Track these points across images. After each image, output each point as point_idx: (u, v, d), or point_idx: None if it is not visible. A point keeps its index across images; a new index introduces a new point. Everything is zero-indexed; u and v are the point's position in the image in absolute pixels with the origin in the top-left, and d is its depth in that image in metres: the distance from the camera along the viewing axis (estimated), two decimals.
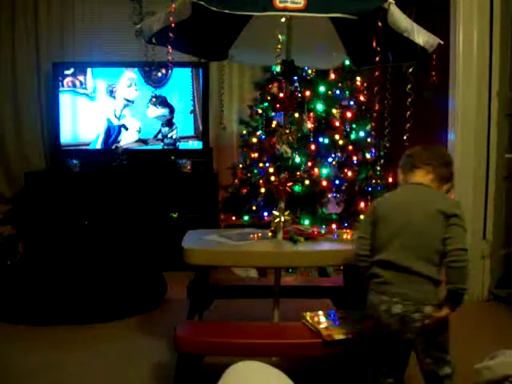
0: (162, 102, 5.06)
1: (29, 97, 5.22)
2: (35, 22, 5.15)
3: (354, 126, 4.16)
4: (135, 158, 5.01)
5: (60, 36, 5.20)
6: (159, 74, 5.01)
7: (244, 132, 4.40)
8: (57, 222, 4.72)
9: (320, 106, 4.09)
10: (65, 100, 5.01)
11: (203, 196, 4.87)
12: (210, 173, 5.04)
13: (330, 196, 4.08)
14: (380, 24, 2.27)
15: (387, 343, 2.17)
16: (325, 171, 4.02)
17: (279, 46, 2.46)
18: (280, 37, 2.48)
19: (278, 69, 3.06)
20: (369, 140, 4.19)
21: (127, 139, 5.09)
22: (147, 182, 4.89)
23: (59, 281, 3.61)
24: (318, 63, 3.62)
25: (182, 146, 5.11)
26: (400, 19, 2.39)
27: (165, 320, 3.52)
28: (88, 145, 5.09)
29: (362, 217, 4.06)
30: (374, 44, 2.27)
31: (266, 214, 3.99)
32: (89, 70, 5.01)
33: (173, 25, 2.37)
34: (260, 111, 4.11)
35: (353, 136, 4.14)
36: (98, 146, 5.08)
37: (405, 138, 2.85)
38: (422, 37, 2.48)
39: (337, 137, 4.06)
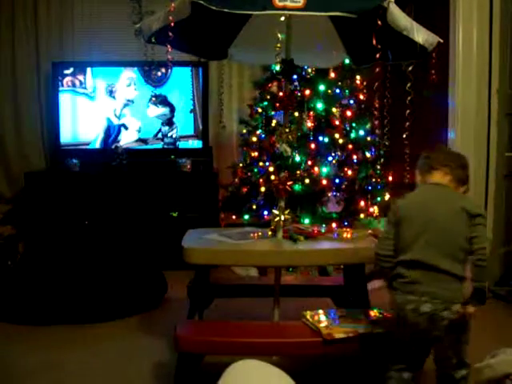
0: (162, 101, 5.06)
1: (29, 97, 5.21)
2: (35, 22, 5.15)
3: (353, 124, 4.16)
4: (135, 158, 5.00)
5: (59, 36, 5.19)
6: (159, 74, 5.01)
7: (244, 131, 4.40)
8: (57, 222, 4.72)
9: (320, 105, 4.09)
10: (64, 100, 5.01)
11: (203, 195, 4.87)
12: (210, 172, 5.04)
13: (329, 195, 4.08)
14: (379, 22, 2.26)
15: (411, 341, 2.18)
16: (325, 170, 4.02)
17: (279, 45, 2.47)
18: (279, 36, 2.48)
19: (277, 68, 3.05)
20: (369, 139, 4.19)
21: (127, 139, 5.09)
22: (147, 181, 4.89)
23: (59, 281, 3.61)
24: (318, 62, 3.62)
25: (181, 145, 5.11)
26: (399, 18, 2.39)
27: (165, 319, 3.52)
28: (88, 144, 5.08)
29: (362, 216, 4.08)
30: (374, 42, 2.27)
31: (266, 212, 3.99)
32: (88, 70, 5.01)
33: (172, 24, 2.37)
34: (260, 110, 4.11)
35: (353, 135, 4.14)
36: (98, 145, 5.08)
37: (404, 136, 2.85)
38: (421, 35, 2.48)
39: (337, 136, 4.06)
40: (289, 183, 2.80)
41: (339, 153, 4.10)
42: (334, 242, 2.91)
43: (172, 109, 5.08)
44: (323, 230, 3.06)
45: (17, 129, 5.25)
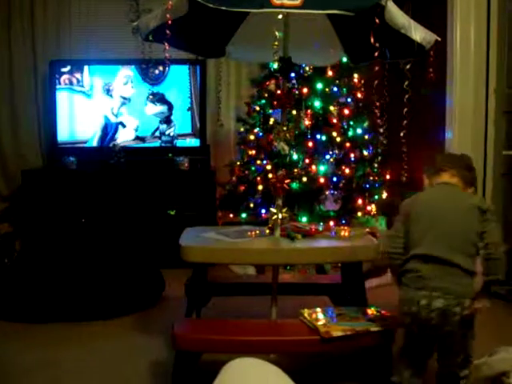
0: (160, 98, 5.05)
1: (26, 97, 5.19)
2: (31, 23, 5.12)
3: (351, 122, 4.16)
4: (132, 156, 5.00)
5: (56, 34, 5.17)
6: (156, 72, 5.00)
7: (241, 129, 4.39)
8: (54, 220, 4.71)
9: (317, 103, 4.08)
10: (62, 98, 5.00)
11: (201, 193, 4.87)
12: (207, 170, 5.04)
13: (327, 193, 4.07)
14: (377, 20, 2.26)
15: (419, 337, 2.18)
16: (322, 168, 4.02)
17: (276, 43, 2.46)
18: (277, 34, 2.48)
19: (275, 66, 3.04)
20: (366, 137, 4.19)
21: (124, 137, 5.08)
22: (145, 179, 4.88)
23: (56, 278, 3.61)
24: (316, 60, 3.61)
25: (179, 143, 5.10)
26: (397, 16, 2.39)
27: (162, 317, 3.51)
28: (85, 142, 5.07)
29: (359, 214, 4.08)
30: (372, 40, 2.27)
31: (263, 211, 3.98)
32: (86, 68, 5.00)
33: (169, 22, 2.37)
34: (257, 108, 4.09)
35: (350, 133, 4.14)
36: (95, 143, 5.07)
37: (402, 134, 2.85)
38: (419, 33, 2.48)
39: (334, 134, 4.06)
40: (286, 181, 2.80)
41: (337, 151, 4.10)
42: (332, 240, 2.91)
43: (170, 107, 5.07)
44: (321, 229, 3.06)
45: (14, 127, 5.23)
